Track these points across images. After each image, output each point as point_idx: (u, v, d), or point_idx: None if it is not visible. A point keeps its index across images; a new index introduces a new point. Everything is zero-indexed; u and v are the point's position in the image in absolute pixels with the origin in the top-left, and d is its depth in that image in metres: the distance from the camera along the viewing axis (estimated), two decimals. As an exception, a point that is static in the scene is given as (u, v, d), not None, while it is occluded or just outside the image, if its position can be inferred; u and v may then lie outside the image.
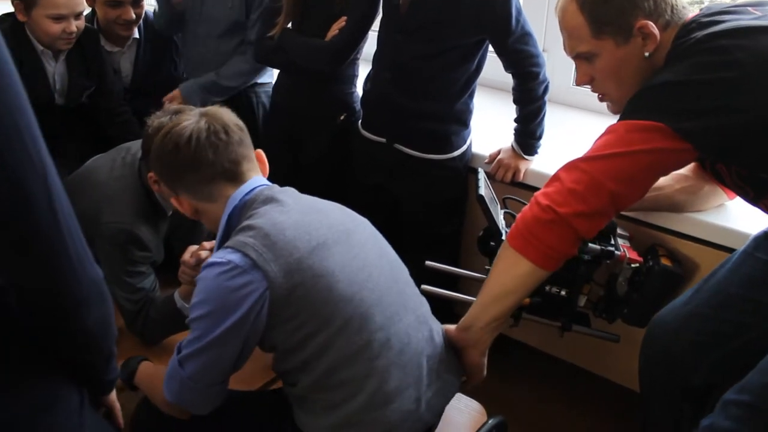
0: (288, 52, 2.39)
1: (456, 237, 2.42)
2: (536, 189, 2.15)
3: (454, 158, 2.24)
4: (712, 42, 1.37)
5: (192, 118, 1.49)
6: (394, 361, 1.40)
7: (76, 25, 2.47)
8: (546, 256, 1.49)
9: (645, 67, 1.50)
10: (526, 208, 1.52)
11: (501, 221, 1.83)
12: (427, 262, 2.03)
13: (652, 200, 1.79)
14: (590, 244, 1.72)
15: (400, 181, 2.30)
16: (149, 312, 1.87)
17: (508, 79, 2.19)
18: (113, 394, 1.32)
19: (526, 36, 2.06)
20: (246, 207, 1.44)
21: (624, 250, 1.76)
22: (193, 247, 1.75)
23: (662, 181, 1.76)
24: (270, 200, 1.42)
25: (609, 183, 1.42)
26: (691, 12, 1.53)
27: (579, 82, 1.63)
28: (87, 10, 2.64)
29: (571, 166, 1.48)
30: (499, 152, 2.26)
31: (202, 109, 1.53)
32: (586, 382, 2.38)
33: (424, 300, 1.58)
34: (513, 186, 2.24)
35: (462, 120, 2.22)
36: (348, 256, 1.41)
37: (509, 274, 1.54)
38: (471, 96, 2.21)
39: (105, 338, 1.06)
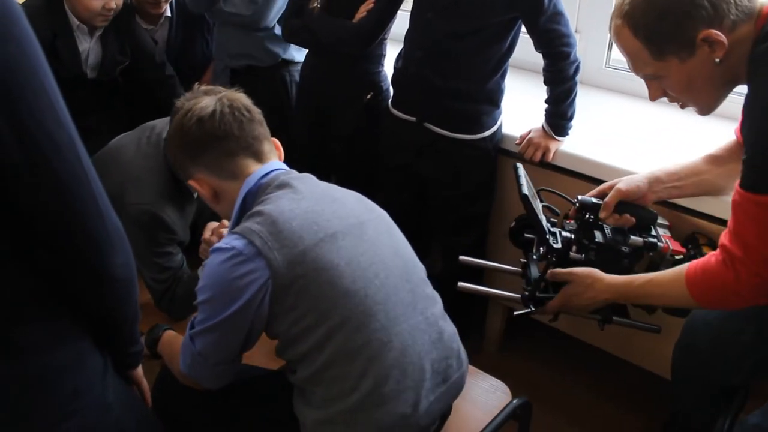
0: (316, 33, 2.39)
1: (485, 218, 2.41)
2: (566, 171, 2.19)
3: (484, 138, 2.22)
4: None
5: (210, 99, 1.49)
6: (393, 363, 1.35)
7: (115, 2, 2.50)
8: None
9: (719, 73, 1.41)
10: (718, 264, 1.41)
11: (543, 219, 1.77)
12: (461, 258, 2.01)
13: (693, 186, 1.75)
14: (632, 237, 1.70)
15: (429, 160, 2.29)
16: (176, 290, 1.89)
17: (540, 60, 2.16)
18: (140, 371, 1.33)
19: (557, 15, 2.03)
20: (261, 191, 1.43)
21: (666, 242, 1.73)
22: (213, 224, 1.76)
23: (702, 165, 1.73)
24: (284, 185, 1.41)
25: None
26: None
27: (653, 99, 1.54)
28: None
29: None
30: (529, 132, 2.24)
31: (222, 93, 1.53)
32: (612, 367, 2.37)
33: (438, 300, 1.53)
34: (542, 167, 2.23)
35: (493, 100, 2.21)
36: (357, 250, 1.37)
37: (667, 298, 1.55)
38: (503, 76, 2.19)
39: (131, 289, 1.09)
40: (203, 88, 1.79)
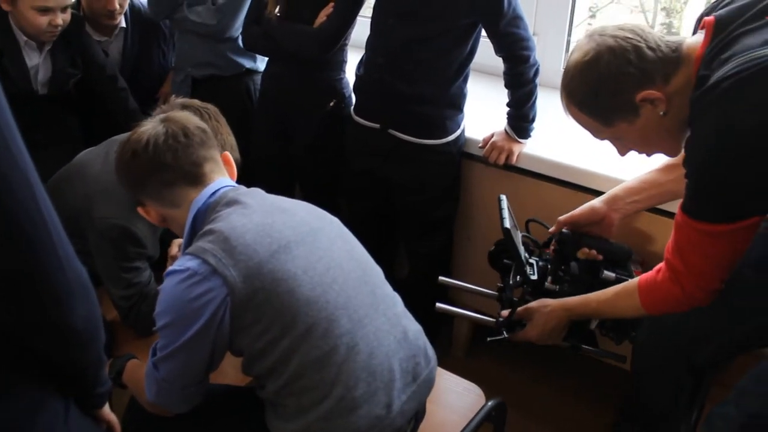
0: (276, 39, 2.37)
1: (450, 222, 2.43)
2: (530, 173, 2.22)
3: (448, 143, 2.23)
4: (734, 97, 1.26)
5: (151, 124, 1.48)
6: (362, 366, 1.35)
7: (62, 18, 2.44)
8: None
9: (670, 122, 1.45)
10: (664, 280, 1.51)
11: (522, 251, 1.82)
12: (441, 278, 2.07)
13: (652, 198, 1.83)
14: (605, 272, 1.77)
15: (393, 166, 2.29)
16: (141, 307, 1.86)
17: (500, 64, 2.18)
18: (107, 409, 1.29)
19: (517, 19, 2.06)
20: (210, 210, 1.41)
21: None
22: (180, 240, 1.73)
23: (658, 176, 1.80)
24: (233, 202, 1.40)
25: (716, 284, 1.45)
26: (690, 37, 1.46)
27: (621, 155, 1.61)
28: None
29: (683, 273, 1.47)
30: (492, 136, 2.26)
31: (163, 115, 1.52)
32: (581, 366, 2.40)
33: (398, 300, 1.53)
34: (506, 169, 2.25)
35: (456, 104, 2.22)
36: (312, 258, 1.37)
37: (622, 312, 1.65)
38: (465, 80, 2.21)
39: (93, 339, 1.04)
40: (180, 101, 1.77)
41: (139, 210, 1.51)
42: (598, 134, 1.55)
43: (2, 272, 0.89)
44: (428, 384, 1.51)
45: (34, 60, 2.55)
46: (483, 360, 2.63)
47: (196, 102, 1.81)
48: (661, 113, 1.43)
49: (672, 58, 1.41)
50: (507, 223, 1.78)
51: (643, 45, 1.41)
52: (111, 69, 2.75)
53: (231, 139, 1.82)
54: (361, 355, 1.36)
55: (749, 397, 1.38)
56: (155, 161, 1.43)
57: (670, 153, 1.55)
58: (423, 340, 1.53)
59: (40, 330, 0.97)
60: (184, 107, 1.73)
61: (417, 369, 1.47)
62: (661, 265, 1.52)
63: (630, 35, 1.42)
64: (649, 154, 1.62)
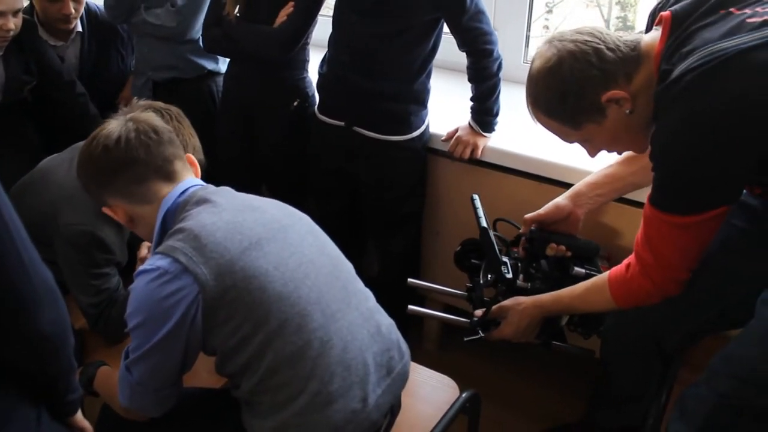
0: (237, 40, 2.36)
1: (417, 218, 2.44)
2: (495, 166, 2.23)
3: (413, 139, 2.24)
4: (699, 90, 1.28)
5: (116, 123, 1.47)
6: (337, 360, 1.36)
7: (13, 23, 2.38)
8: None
9: (637, 120, 1.47)
10: (634, 275, 1.54)
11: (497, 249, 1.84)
12: (409, 280, 2.09)
13: (615, 191, 1.87)
14: (576, 268, 1.79)
15: (359, 164, 2.30)
16: (111, 312, 1.83)
17: (462, 60, 2.20)
18: (80, 415, 1.28)
19: (479, 14, 2.08)
20: (179, 209, 1.41)
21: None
22: (146, 248, 1.71)
23: (619, 169, 1.84)
24: (203, 201, 1.40)
25: (685, 274, 1.49)
26: (645, 34, 1.48)
27: (592, 156, 1.64)
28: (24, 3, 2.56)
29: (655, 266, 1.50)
30: (456, 130, 2.28)
31: (128, 115, 1.51)
32: (558, 357, 2.42)
33: (369, 295, 1.54)
34: (471, 163, 2.26)
35: (420, 100, 2.23)
36: (284, 254, 1.38)
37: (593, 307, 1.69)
38: (428, 76, 2.22)
39: (62, 345, 1.03)
40: (143, 102, 1.75)
41: (105, 210, 1.48)
42: (567, 138, 1.58)
43: None
44: (403, 377, 1.52)
45: (-15, 68, 2.49)
46: (455, 353, 2.65)
47: (159, 103, 1.80)
48: (627, 112, 1.45)
49: (632, 57, 1.44)
50: (484, 223, 1.81)
51: (603, 47, 1.44)
52: (68, 74, 2.70)
53: (194, 141, 1.81)
54: (335, 350, 1.36)
55: (719, 378, 1.42)
56: (128, 156, 1.42)
57: (639, 150, 1.58)
58: (396, 334, 1.54)
59: (7, 337, 0.96)
60: (147, 109, 1.72)
61: (391, 363, 1.48)
62: (630, 259, 1.55)
63: (589, 38, 1.45)
64: (619, 153, 1.66)
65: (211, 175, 2.47)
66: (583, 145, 1.60)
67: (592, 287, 1.66)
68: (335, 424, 1.35)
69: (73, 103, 2.72)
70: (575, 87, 1.45)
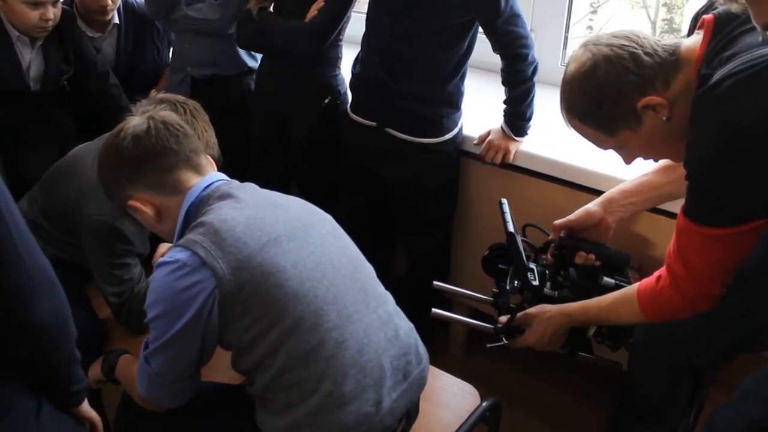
0: (268, 35, 2.35)
1: (448, 221, 2.42)
2: (527, 171, 2.20)
3: (445, 141, 2.22)
4: (738, 96, 1.24)
5: (141, 117, 1.48)
6: (351, 362, 1.35)
7: (53, 13, 2.42)
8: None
9: (674, 127, 1.41)
10: (665, 288, 1.49)
11: (524, 255, 1.81)
12: (435, 283, 2.05)
13: (649, 200, 1.82)
14: (605, 278, 1.76)
15: (390, 165, 2.28)
16: (132, 304, 1.85)
17: (497, 60, 2.16)
18: (86, 406, 1.28)
19: (515, 17, 2.04)
20: (202, 203, 1.42)
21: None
22: (167, 245, 1.71)
23: (654, 178, 1.79)
24: (226, 196, 1.41)
25: (718, 289, 1.44)
26: (686, 38, 1.44)
27: (627, 163, 1.59)
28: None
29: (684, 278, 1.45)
30: (488, 133, 2.25)
31: (149, 113, 1.52)
32: (578, 363, 2.39)
33: (389, 298, 1.53)
34: (503, 167, 2.23)
35: (453, 102, 2.20)
36: (303, 252, 1.37)
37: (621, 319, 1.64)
38: (462, 78, 2.19)
39: (61, 336, 1.03)
40: (159, 96, 1.76)
41: (132, 203, 1.48)
42: (602, 144, 1.54)
43: None
44: (420, 383, 1.51)
45: (27, 56, 2.53)
46: (480, 357, 2.63)
47: (177, 96, 1.81)
48: (664, 118, 1.41)
49: (670, 62, 1.39)
50: (511, 227, 1.78)
51: (640, 51, 1.39)
52: (102, 65, 2.73)
53: (208, 136, 1.81)
54: (349, 351, 1.36)
55: (753, 400, 1.38)
56: (158, 145, 1.44)
57: (676, 158, 1.51)
58: (415, 339, 1.53)
59: (4, 327, 0.96)
60: (163, 101, 1.74)
61: (408, 367, 1.47)
62: (661, 271, 1.51)
63: (625, 42, 1.41)
64: (655, 160, 1.62)
65: (243, 171, 2.50)
66: (618, 152, 1.56)
67: (620, 298, 1.62)
68: (347, 425, 1.34)
69: (105, 94, 2.75)
70: (610, 92, 1.41)
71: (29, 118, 2.60)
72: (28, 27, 2.42)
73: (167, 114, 1.53)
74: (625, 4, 3.14)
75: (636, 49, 1.39)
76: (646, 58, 1.39)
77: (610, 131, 1.47)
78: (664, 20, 3.18)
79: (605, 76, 1.40)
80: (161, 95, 1.78)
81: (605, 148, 1.56)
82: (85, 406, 1.28)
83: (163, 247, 1.74)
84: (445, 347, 2.69)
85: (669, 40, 1.43)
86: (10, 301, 0.93)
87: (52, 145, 2.60)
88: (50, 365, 1.07)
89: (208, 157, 1.58)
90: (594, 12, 3.08)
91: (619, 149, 1.54)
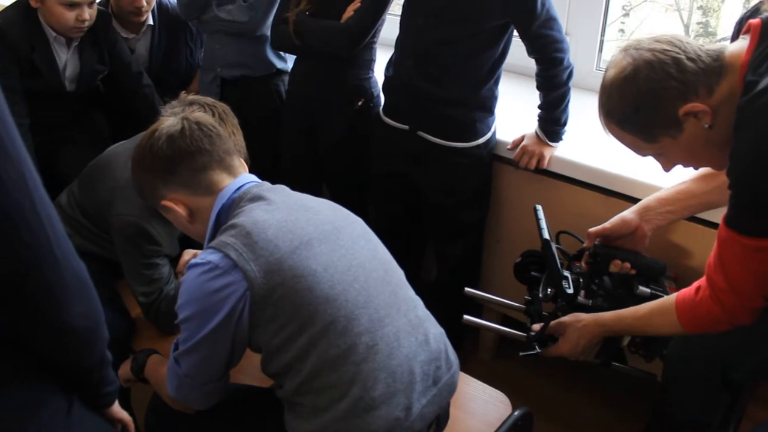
0: (303, 35, 2.35)
1: (479, 226, 2.39)
2: (560, 176, 2.18)
3: (478, 146, 2.19)
4: None
5: (174, 118, 1.49)
6: (381, 366, 1.34)
7: (89, 14, 2.46)
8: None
9: (716, 134, 1.39)
10: (705, 299, 1.46)
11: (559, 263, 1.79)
12: (467, 289, 2.03)
13: (686, 208, 1.78)
14: (641, 287, 1.73)
15: (422, 168, 2.26)
16: (161, 305, 1.86)
17: (531, 64, 2.14)
18: (117, 407, 1.27)
19: (551, 20, 2.01)
20: (234, 205, 1.42)
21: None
22: (192, 252, 1.71)
23: (693, 186, 1.75)
24: (257, 198, 1.41)
25: (760, 302, 1.40)
26: (730, 43, 1.40)
27: (666, 171, 1.55)
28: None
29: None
30: (522, 138, 2.22)
31: (182, 114, 1.53)
32: (614, 373, 2.35)
33: (419, 302, 1.52)
34: (537, 173, 2.21)
35: (487, 107, 2.18)
36: (334, 256, 1.37)
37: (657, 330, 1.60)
38: (496, 82, 2.17)
39: (94, 339, 1.02)
40: (189, 98, 1.76)
41: (165, 203, 1.47)
42: (640, 151, 1.50)
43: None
44: (450, 388, 1.50)
45: (63, 56, 2.56)
46: (509, 363, 2.60)
47: (207, 98, 1.81)
48: (707, 126, 1.37)
49: (714, 68, 1.35)
50: (546, 234, 1.76)
51: (683, 56, 1.35)
52: (137, 66, 2.76)
53: (235, 138, 1.79)
54: (380, 355, 1.35)
55: None
56: (193, 145, 1.45)
57: (718, 166, 1.49)
58: (445, 344, 1.52)
59: (38, 331, 0.95)
60: (192, 103, 1.74)
61: (438, 373, 1.45)
62: (701, 281, 1.47)
63: (668, 47, 1.37)
64: (696, 168, 1.58)
65: (274, 172, 2.50)
66: (657, 159, 1.53)
67: (657, 309, 1.58)
68: (375, 430, 1.33)
69: (139, 94, 2.78)
70: (651, 99, 1.37)
71: (64, 118, 2.64)
72: (65, 28, 2.46)
73: (201, 115, 1.54)
74: (658, 6, 3.09)
75: (679, 54, 1.36)
76: (690, 64, 1.35)
77: (649, 138, 1.44)
78: (699, 23, 3.11)
79: (646, 81, 1.37)
80: (191, 97, 1.78)
81: (644, 155, 1.52)
82: (116, 407, 1.28)
83: (187, 254, 1.74)
84: (474, 353, 2.66)
85: (712, 45, 1.39)
86: (44, 303, 0.92)
87: (86, 145, 2.63)
88: (81, 367, 1.07)
89: (241, 159, 1.58)
90: (626, 15, 3.03)
91: (658, 156, 1.51)
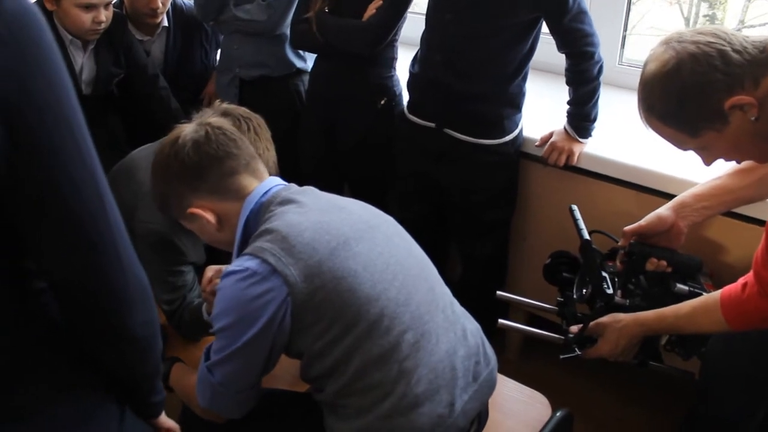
0: (324, 34, 2.32)
1: (506, 224, 2.37)
2: (590, 173, 2.15)
3: (506, 143, 2.17)
4: None
5: (195, 125, 1.46)
6: (424, 363, 1.33)
7: (105, 15, 2.43)
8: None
9: (762, 127, 1.36)
10: (753, 295, 1.44)
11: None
12: (498, 293, 2.00)
13: (723, 204, 1.75)
14: (679, 285, 1.70)
15: (448, 167, 2.23)
16: (183, 313, 1.84)
17: (559, 61, 2.12)
18: (164, 417, 1.26)
19: (582, 14, 1.99)
20: (263, 210, 1.39)
21: (708, 291, 1.72)
22: (215, 268, 1.67)
23: (729, 181, 1.73)
24: (287, 201, 1.38)
25: None
26: None
27: (707, 165, 1.50)
28: (114, -1, 2.59)
29: None
30: (551, 135, 2.20)
31: (202, 119, 1.50)
32: (645, 372, 2.33)
33: (454, 299, 1.51)
34: (566, 170, 2.18)
35: (515, 103, 2.15)
36: (372, 254, 1.35)
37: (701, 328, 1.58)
38: (524, 78, 2.14)
39: (150, 348, 1.01)
40: (223, 106, 1.72)
41: (192, 211, 1.43)
42: (682, 145, 1.47)
43: (62, 279, 0.87)
44: (489, 384, 1.49)
45: (79, 59, 2.53)
46: (536, 362, 2.57)
47: (241, 109, 1.76)
48: (753, 119, 1.34)
49: (761, 59, 1.32)
50: (586, 235, 1.73)
51: (728, 48, 1.33)
52: (153, 68, 2.73)
53: (269, 155, 1.75)
54: (422, 352, 1.33)
55: None
56: (221, 150, 1.41)
57: (762, 159, 1.47)
58: (481, 339, 1.51)
59: (98, 337, 0.95)
60: (226, 114, 1.69)
61: (477, 368, 1.45)
62: (748, 277, 1.45)
63: (712, 39, 1.34)
64: (738, 162, 1.55)
65: (295, 174, 2.46)
66: (699, 153, 1.49)
67: (700, 307, 1.56)
68: (420, 428, 1.32)
69: (155, 97, 2.75)
70: (695, 92, 1.35)
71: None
72: (81, 30, 2.43)
73: (219, 120, 1.51)
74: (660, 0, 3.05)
75: (724, 46, 1.33)
76: (735, 56, 1.32)
77: (692, 132, 1.41)
78: (705, 16, 3.08)
79: (690, 75, 1.34)
80: (224, 106, 1.73)
81: (685, 149, 1.49)
82: (163, 417, 1.26)
83: (210, 270, 1.71)
84: (500, 352, 2.62)
85: (758, 37, 1.36)
86: (107, 311, 0.91)
87: (102, 149, 2.58)
88: (136, 376, 1.06)
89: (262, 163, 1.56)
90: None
91: (700, 150, 1.48)
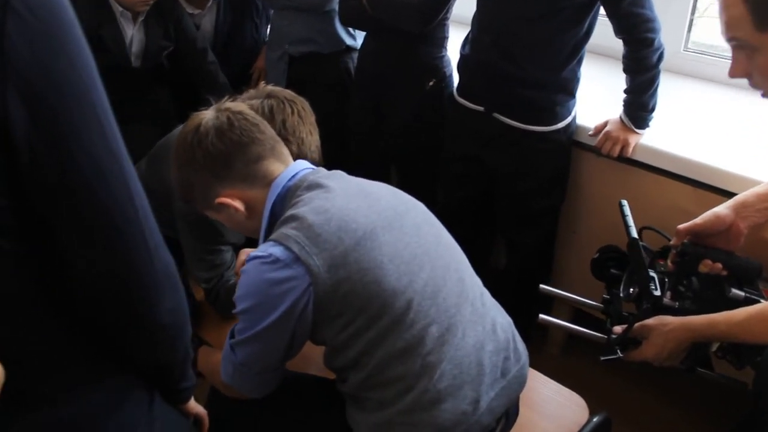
0: (374, 11, 2.26)
1: (554, 214, 2.29)
2: (645, 166, 2.06)
3: (558, 130, 2.08)
4: None
5: (214, 111, 1.41)
6: (449, 357, 1.29)
7: None
8: None
9: None
10: None
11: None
12: (541, 287, 1.92)
13: None
14: (734, 290, 1.60)
15: (496, 152, 2.16)
16: (220, 291, 1.84)
17: (617, 45, 2.01)
18: (193, 402, 1.25)
19: (642, -3, 1.88)
20: (289, 195, 1.36)
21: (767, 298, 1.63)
22: (245, 255, 1.64)
23: None
24: (315, 186, 1.34)
25: None
26: None
27: (733, 74, 1.36)
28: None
29: None
30: (605, 124, 2.10)
31: (222, 105, 1.45)
32: (695, 380, 2.25)
33: (485, 290, 1.46)
34: (620, 161, 2.09)
35: (568, 89, 2.06)
36: (399, 245, 1.31)
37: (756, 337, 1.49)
38: (579, 63, 2.05)
39: (179, 335, 1.01)
40: (268, 89, 1.69)
41: (220, 201, 1.39)
42: (736, 31, 1.29)
43: (90, 269, 0.85)
44: (519, 381, 1.43)
45: (129, 31, 2.53)
46: (579, 359, 2.50)
47: (285, 92, 1.72)
48: None
49: None
50: (634, 233, 1.65)
51: None
52: (202, 42, 2.72)
53: (312, 139, 1.70)
54: (447, 346, 1.30)
55: None
56: (245, 136, 1.38)
57: None
58: (513, 334, 1.46)
59: (126, 325, 0.93)
60: (270, 96, 1.66)
61: (506, 364, 1.40)
62: None
63: None
64: (764, 93, 1.37)
65: (342, 154, 2.43)
66: (736, 52, 1.33)
67: (757, 315, 1.46)
68: (442, 424, 1.28)
69: (203, 71, 2.74)
70: None
71: (129, 94, 2.60)
72: (132, 2, 2.42)
73: (238, 104, 1.46)
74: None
75: None
76: None
77: (760, 24, 1.24)
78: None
79: None
80: (269, 88, 1.70)
81: (730, 36, 1.31)
82: (192, 403, 1.26)
83: (244, 254, 1.69)
84: (542, 347, 2.56)
85: None
86: (135, 298, 0.90)
87: (151, 121, 2.61)
88: (164, 362, 1.05)
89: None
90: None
91: (744, 47, 1.30)
